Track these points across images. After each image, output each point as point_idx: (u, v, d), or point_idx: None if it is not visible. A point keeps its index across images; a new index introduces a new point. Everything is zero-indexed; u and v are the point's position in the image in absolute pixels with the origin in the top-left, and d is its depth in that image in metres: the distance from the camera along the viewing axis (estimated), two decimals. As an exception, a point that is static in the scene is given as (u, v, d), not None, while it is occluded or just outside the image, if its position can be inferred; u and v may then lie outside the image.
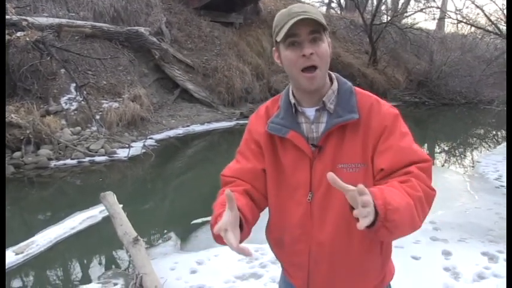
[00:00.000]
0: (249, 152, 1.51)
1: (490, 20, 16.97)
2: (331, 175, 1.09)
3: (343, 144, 1.35)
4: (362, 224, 1.05)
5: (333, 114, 1.37)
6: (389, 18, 20.87)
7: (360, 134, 1.34)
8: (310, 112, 1.41)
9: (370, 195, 1.08)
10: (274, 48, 1.41)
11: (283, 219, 1.47)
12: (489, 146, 10.87)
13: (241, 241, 1.20)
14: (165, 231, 5.01)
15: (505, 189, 6.27)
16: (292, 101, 1.42)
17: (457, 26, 21.64)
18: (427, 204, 1.27)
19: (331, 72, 1.44)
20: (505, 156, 8.14)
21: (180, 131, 10.87)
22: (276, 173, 1.45)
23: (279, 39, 1.32)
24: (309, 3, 21.49)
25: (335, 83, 1.42)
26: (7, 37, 8.10)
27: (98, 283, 3.60)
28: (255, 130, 1.50)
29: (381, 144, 1.33)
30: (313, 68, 1.31)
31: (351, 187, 1.09)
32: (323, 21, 1.30)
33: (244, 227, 1.27)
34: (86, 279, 3.84)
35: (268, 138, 1.45)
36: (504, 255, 3.93)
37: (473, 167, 8.26)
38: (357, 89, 1.44)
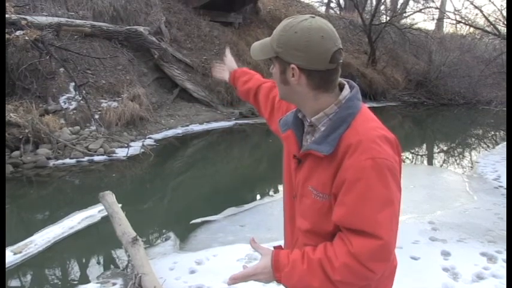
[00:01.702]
0: (277, 107, 1.73)
1: (489, 21, 16.95)
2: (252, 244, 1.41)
3: (317, 169, 1.32)
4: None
5: (315, 138, 1.34)
6: (388, 18, 20.89)
7: (333, 168, 1.27)
8: (307, 123, 1.42)
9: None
10: None
11: (285, 202, 1.59)
12: (488, 146, 10.89)
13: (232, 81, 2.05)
14: (164, 231, 5.01)
15: (504, 190, 6.28)
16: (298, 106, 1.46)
17: (456, 27, 21.61)
18: (356, 281, 1.25)
19: (346, 89, 1.36)
20: (504, 156, 8.17)
21: (179, 130, 10.86)
22: (285, 159, 1.54)
23: None
24: (308, 4, 21.55)
25: (332, 106, 1.33)
26: (6, 36, 8.08)
27: (97, 283, 3.60)
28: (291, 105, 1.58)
29: (340, 195, 1.26)
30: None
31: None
32: (269, 48, 1.33)
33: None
34: (85, 279, 3.83)
35: None
36: (503, 256, 3.94)
37: (472, 167, 8.27)
38: (359, 119, 1.30)
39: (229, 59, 2.11)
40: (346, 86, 1.37)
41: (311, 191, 1.34)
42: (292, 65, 1.29)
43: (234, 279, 1.35)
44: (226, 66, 2.10)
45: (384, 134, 1.27)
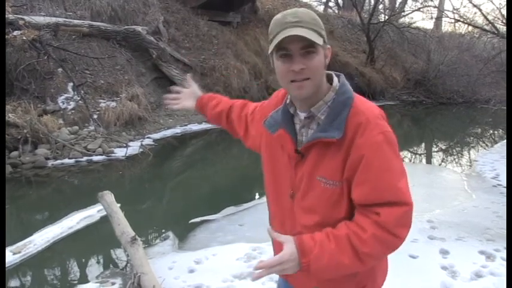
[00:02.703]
0: (250, 121, 1.73)
1: (487, 19, 16.99)
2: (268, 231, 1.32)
3: (325, 158, 1.33)
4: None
5: (319, 126, 1.35)
6: (386, 17, 20.90)
7: (343, 152, 1.30)
8: (302, 117, 1.41)
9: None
10: (269, 53, 1.39)
11: (275, 208, 1.57)
12: (486, 145, 10.89)
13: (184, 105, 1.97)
14: (163, 230, 5.01)
15: (502, 188, 6.29)
16: (287, 101, 1.44)
17: (455, 25, 21.70)
18: (384, 251, 1.30)
19: (336, 78, 1.40)
20: (503, 155, 8.18)
21: (177, 130, 10.85)
22: (272, 162, 1.51)
23: (270, 50, 1.32)
24: (306, 3, 21.54)
25: (330, 94, 1.36)
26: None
27: (96, 282, 3.60)
28: (267, 109, 1.56)
29: (359, 174, 1.28)
30: (303, 79, 1.29)
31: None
32: (316, 33, 1.26)
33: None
34: (84, 279, 3.83)
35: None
36: (501, 254, 3.94)
37: (470, 165, 8.28)
38: (357, 101, 1.35)
39: (194, 86, 2.02)
40: (334, 75, 1.41)
41: (319, 180, 1.34)
42: (328, 46, 1.34)
43: (260, 268, 1.26)
44: (192, 94, 1.98)
45: (381, 112, 1.36)
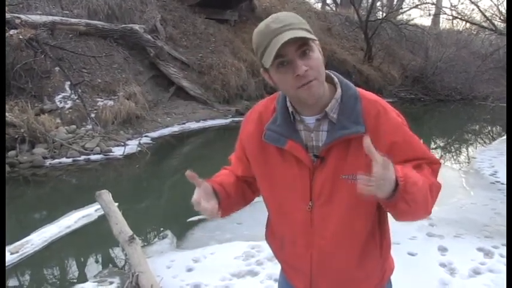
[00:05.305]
0: (239, 161, 1.54)
1: (485, 16, 17.01)
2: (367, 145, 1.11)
3: (348, 155, 1.29)
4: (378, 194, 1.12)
5: (336, 125, 1.28)
6: (384, 14, 20.91)
7: None
8: (310, 120, 1.33)
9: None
10: (262, 70, 1.32)
11: (283, 225, 1.47)
12: (484, 141, 10.91)
13: (221, 209, 1.40)
14: (161, 229, 5.00)
15: (501, 185, 6.30)
16: (290, 109, 1.34)
17: (452, 22, 21.74)
18: (435, 193, 1.34)
19: (334, 76, 1.35)
20: (501, 151, 8.19)
21: (175, 128, 10.83)
22: (269, 180, 1.42)
23: (266, 65, 1.22)
24: (303, 0, 21.50)
25: (338, 90, 1.32)
26: (0, 35, 8.04)
27: (94, 282, 3.59)
28: (245, 136, 1.46)
29: (395, 157, 1.22)
30: (309, 81, 1.22)
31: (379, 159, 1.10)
32: (308, 32, 1.20)
33: (221, 199, 1.42)
34: (82, 278, 3.83)
35: (260, 144, 1.39)
36: (499, 251, 3.95)
37: (468, 162, 8.28)
38: (362, 92, 1.34)
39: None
40: (328, 72, 1.36)
41: (345, 179, 1.29)
42: (316, 39, 1.27)
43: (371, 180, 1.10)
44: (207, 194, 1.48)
45: None
